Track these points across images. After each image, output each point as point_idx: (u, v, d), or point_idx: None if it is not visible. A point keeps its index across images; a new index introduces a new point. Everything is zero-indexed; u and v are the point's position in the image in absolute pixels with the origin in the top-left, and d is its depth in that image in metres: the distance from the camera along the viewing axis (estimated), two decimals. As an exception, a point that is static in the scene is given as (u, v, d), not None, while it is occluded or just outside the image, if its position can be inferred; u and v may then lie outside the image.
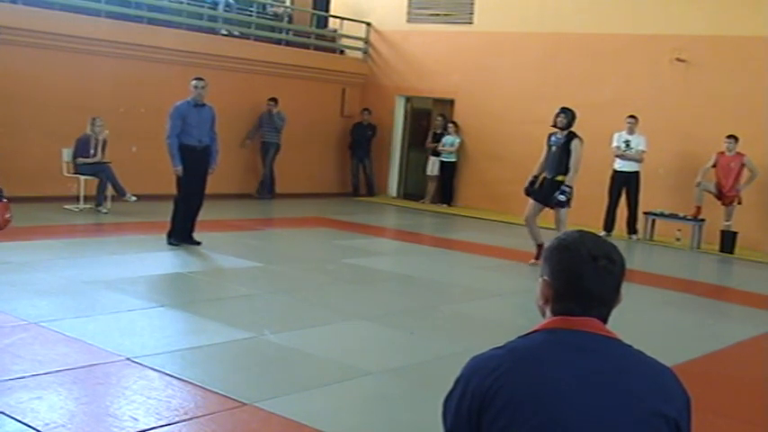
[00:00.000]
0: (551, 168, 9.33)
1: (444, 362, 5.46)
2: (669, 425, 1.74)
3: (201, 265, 8.60)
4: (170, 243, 9.11)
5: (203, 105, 9.17)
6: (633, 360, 1.82)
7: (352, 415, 4.69)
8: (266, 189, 14.47)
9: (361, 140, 16.02)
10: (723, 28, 12.81)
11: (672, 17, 13.29)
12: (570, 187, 9.26)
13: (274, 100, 14.18)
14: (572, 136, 9.27)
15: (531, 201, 9.58)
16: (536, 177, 9.54)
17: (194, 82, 9.13)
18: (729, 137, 12.09)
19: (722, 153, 12.20)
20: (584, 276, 1.82)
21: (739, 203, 12.22)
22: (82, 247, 8.98)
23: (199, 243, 9.20)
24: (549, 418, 1.69)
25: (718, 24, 12.87)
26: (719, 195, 12.26)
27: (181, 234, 9.16)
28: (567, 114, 9.28)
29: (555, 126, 9.37)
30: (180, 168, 9.01)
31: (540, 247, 9.53)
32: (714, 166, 12.28)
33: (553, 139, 9.39)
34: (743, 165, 12.08)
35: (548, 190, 9.36)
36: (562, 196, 9.21)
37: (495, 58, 15.00)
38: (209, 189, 9.49)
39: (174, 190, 9.27)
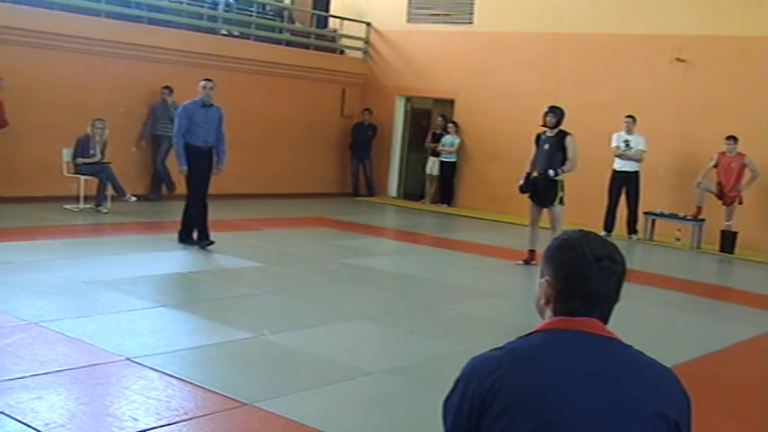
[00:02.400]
0: (544, 167, 9.35)
1: (444, 362, 5.46)
2: (669, 425, 1.74)
3: (201, 265, 8.59)
4: (181, 241, 9.17)
5: (211, 105, 9.12)
6: (633, 361, 1.81)
7: (352, 415, 4.69)
8: (157, 188, 12.95)
9: (361, 140, 16.02)
10: (723, 28, 12.81)
11: (672, 17, 13.29)
12: (562, 171, 9.29)
13: (169, 88, 12.72)
14: (564, 133, 9.31)
15: (531, 205, 9.61)
16: (529, 174, 9.57)
17: (203, 83, 9.09)
18: (729, 138, 12.08)
19: (723, 153, 12.19)
20: (588, 277, 1.81)
21: (740, 203, 12.22)
22: (82, 247, 8.98)
23: (212, 242, 9.19)
24: (549, 419, 1.68)
25: (718, 24, 12.87)
26: (721, 195, 12.26)
27: (192, 233, 9.19)
28: (556, 113, 9.31)
29: (544, 125, 9.40)
30: (185, 168, 9.01)
31: (531, 252, 9.58)
32: (715, 166, 12.29)
33: (543, 137, 9.42)
34: (744, 165, 12.08)
35: (542, 189, 9.38)
36: (552, 171, 9.22)
37: (495, 58, 15.01)
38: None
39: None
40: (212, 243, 9.18)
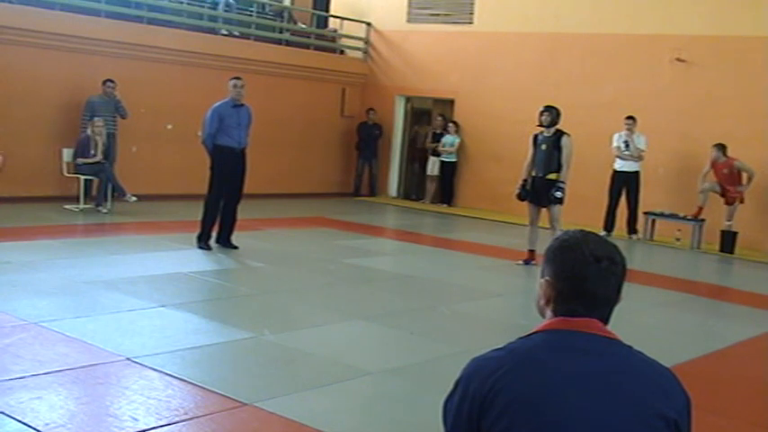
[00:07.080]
0: (542, 167, 9.35)
1: (444, 362, 5.47)
2: (669, 426, 1.74)
3: (202, 265, 8.58)
4: (200, 247, 8.96)
5: (242, 105, 9.00)
6: (633, 361, 1.82)
7: (352, 415, 4.69)
8: (119, 191, 11.32)
9: (368, 140, 16.02)
10: (723, 28, 12.81)
11: (672, 17, 13.29)
12: (564, 183, 9.29)
13: (112, 81, 11.76)
14: (561, 133, 9.31)
15: (530, 205, 9.61)
16: (526, 180, 9.56)
17: (233, 81, 8.97)
18: (715, 146, 12.06)
19: (714, 161, 12.20)
20: (588, 278, 1.82)
21: (742, 202, 12.22)
22: (82, 247, 8.97)
23: (236, 247, 9.08)
24: (550, 419, 1.69)
25: (718, 24, 12.87)
26: (723, 193, 12.26)
27: (214, 236, 9.03)
28: (552, 112, 9.31)
29: (540, 125, 9.40)
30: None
31: (531, 252, 9.58)
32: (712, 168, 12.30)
33: (540, 137, 9.42)
34: (737, 168, 12.08)
35: (541, 189, 9.38)
36: (559, 193, 9.24)
37: (495, 58, 15.01)
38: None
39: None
40: (236, 248, 9.09)
